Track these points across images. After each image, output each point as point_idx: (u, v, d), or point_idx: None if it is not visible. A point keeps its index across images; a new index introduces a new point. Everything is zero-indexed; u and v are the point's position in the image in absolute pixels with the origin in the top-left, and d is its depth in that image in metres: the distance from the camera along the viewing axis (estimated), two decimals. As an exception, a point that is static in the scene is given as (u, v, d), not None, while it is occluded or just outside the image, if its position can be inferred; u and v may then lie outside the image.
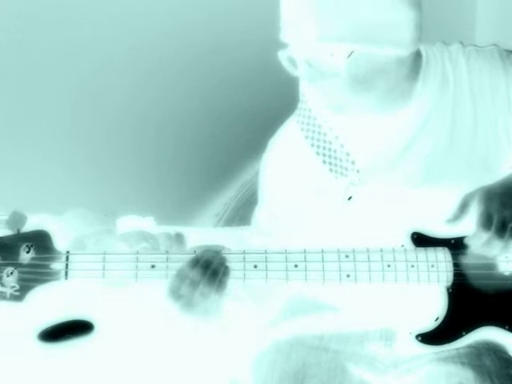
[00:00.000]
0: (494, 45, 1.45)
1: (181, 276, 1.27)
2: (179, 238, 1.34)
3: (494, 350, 1.34)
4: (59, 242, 1.29)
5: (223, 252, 1.30)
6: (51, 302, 1.68)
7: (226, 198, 3.40)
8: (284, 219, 1.47)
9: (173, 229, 2.75)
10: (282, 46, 1.35)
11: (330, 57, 1.29)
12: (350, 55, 1.28)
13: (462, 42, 1.45)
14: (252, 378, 1.42)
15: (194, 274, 1.26)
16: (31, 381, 1.80)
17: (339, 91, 1.32)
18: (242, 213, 3.06)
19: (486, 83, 1.39)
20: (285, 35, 1.34)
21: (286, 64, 1.33)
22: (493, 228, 1.24)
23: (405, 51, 1.33)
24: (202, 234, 2.81)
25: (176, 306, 1.29)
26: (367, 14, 1.27)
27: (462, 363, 1.32)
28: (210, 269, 1.27)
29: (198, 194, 3.37)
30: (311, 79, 1.32)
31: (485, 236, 1.25)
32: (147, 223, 2.95)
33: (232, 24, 3.18)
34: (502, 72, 1.39)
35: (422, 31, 1.37)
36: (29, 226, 1.27)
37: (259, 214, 1.53)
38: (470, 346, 1.33)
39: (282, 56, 1.33)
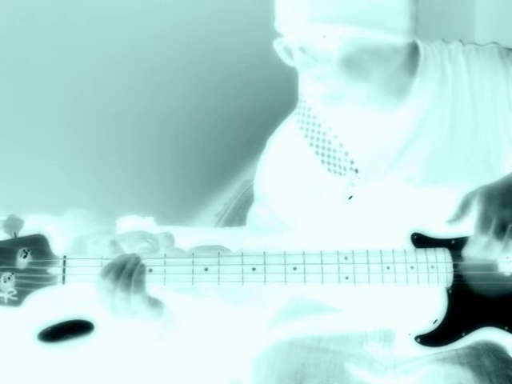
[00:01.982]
0: (494, 43, 1.44)
1: (98, 287, 1.27)
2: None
3: (494, 351, 1.33)
4: (58, 245, 1.29)
5: (222, 253, 1.29)
6: (51, 303, 1.68)
7: (226, 197, 3.41)
8: (282, 218, 1.47)
9: (173, 229, 2.75)
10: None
11: (322, 39, 1.28)
12: (342, 38, 1.27)
13: (461, 40, 1.44)
14: (251, 378, 1.41)
15: (107, 282, 1.26)
16: (31, 381, 1.79)
17: (332, 78, 1.30)
18: (241, 213, 3.06)
19: (486, 82, 1.38)
20: (279, 24, 1.33)
21: (281, 54, 1.32)
22: (491, 230, 1.23)
23: (399, 39, 1.31)
24: (202, 234, 2.82)
25: (109, 315, 1.29)
26: None
27: (461, 364, 1.31)
28: (124, 272, 1.26)
29: (198, 194, 3.38)
30: (305, 65, 1.30)
31: (483, 240, 1.25)
32: (147, 223, 2.95)
33: (232, 24, 3.19)
34: (502, 70, 1.38)
35: (422, 30, 1.36)
36: (26, 229, 1.26)
37: (256, 211, 1.52)
38: (469, 347, 1.32)
39: (278, 46, 1.31)
